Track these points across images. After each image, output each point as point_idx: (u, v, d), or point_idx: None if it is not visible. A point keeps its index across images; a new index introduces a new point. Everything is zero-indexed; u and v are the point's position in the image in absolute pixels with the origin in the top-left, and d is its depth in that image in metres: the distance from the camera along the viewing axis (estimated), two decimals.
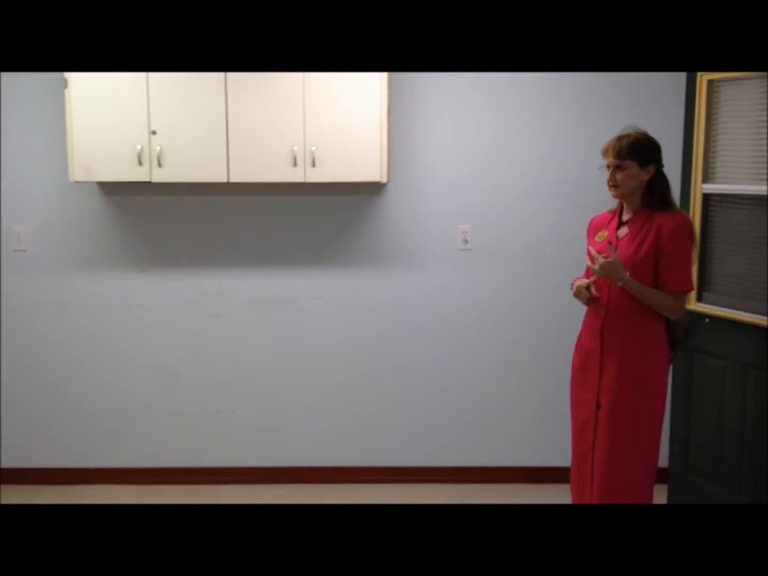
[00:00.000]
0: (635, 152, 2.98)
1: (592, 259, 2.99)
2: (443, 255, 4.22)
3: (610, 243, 2.98)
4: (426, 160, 4.17)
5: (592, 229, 3.22)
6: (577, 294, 3.12)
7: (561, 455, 4.25)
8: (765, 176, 3.39)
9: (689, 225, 3.01)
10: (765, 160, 3.40)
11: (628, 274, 2.95)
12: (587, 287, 3.08)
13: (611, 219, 3.16)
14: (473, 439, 4.34)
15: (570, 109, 4.14)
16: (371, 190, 4.17)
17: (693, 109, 3.63)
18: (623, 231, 3.08)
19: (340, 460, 4.33)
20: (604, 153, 3.04)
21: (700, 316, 3.58)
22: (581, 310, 3.86)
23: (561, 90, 4.13)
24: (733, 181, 3.52)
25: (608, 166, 3.03)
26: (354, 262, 4.23)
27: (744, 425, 3.44)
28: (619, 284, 2.97)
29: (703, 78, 3.57)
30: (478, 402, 4.32)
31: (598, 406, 3.05)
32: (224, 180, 3.87)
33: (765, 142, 3.39)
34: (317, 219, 4.20)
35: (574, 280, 3.17)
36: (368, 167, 3.88)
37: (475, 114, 4.15)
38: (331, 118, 3.85)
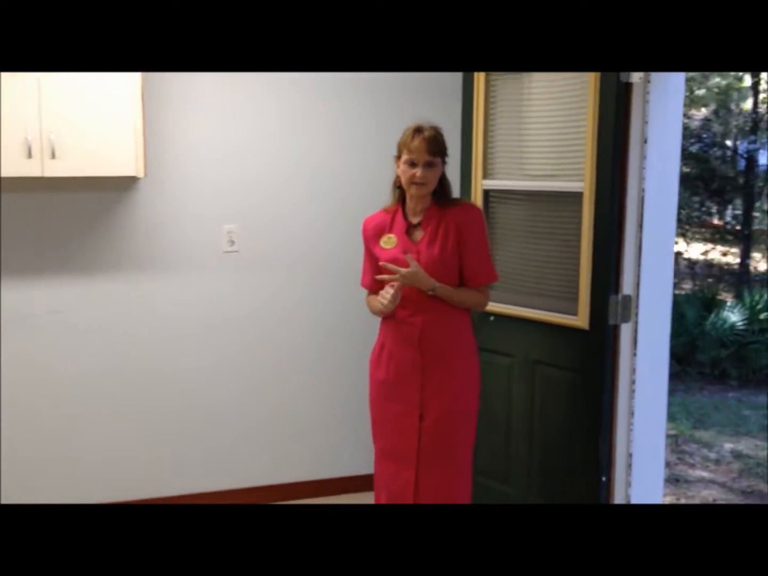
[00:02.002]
0: (441, 148, 2.87)
1: (388, 270, 2.81)
2: (207, 258, 3.80)
3: (407, 254, 2.80)
4: (188, 153, 3.71)
5: (373, 234, 3.00)
6: (385, 308, 2.85)
7: (338, 466, 4.07)
8: (540, 172, 3.39)
9: (482, 215, 3.01)
10: (541, 155, 3.39)
11: (434, 281, 2.79)
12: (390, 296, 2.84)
13: (392, 220, 2.96)
14: (239, 459, 3.95)
15: (345, 104, 3.90)
16: (123, 185, 3.63)
17: (471, 104, 3.55)
18: (418, 234, 2.92)
19: (86, 496, 3.73)
20: (414, 150, 2.81)
21: (485, 314, 3.51)
22: (357, 317, 3.67)
23: (336, 84, 3.86)
24: (511, 177, 3.49)
25: (413, 162, 2.82)
26: (102, 269, 3.67)
27: (532, 423, 3.43)
28: (429, 293, 2.83)
29: (480, 72, 3.49)
30: (245, 418, 3.94)
31: (420, 417, 2.89)
32: None
33: (540, 136, 3.39)
34: (57, 220, 3.59)
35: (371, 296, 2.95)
36: (121, 159, 3.38)
37: (244, 104, 3.77)
38: (74, 103, 3.29)
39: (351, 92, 3.90)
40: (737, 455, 5.44)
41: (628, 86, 3.05)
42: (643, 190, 3.11)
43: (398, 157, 2.91)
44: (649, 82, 3.05)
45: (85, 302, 3.66)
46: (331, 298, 3.96)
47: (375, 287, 3.03)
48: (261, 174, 3.83)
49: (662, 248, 3.22)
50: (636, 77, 3.02)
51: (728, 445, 5.64)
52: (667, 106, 3.11)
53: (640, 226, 3.13)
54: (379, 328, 3.04)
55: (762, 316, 8.03)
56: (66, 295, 3.63)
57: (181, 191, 3.72)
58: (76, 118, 3.29)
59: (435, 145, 2.84)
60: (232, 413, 3.92)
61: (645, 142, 3.09)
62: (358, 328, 3.90)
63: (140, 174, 3.42)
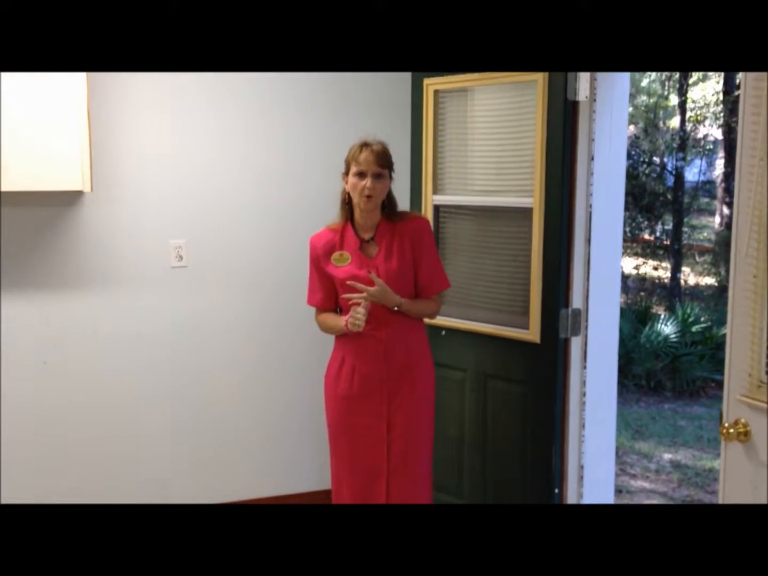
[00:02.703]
0: (389, 162, 2.91)
1: (353, 289, 2.82)
2: (155, 273, 3.74)
3: (370, 272, 2.83)
4: (135, 167, 3.65)
5: (323, 253, 2.98)
6: (356, 326, 2.84)
7: (292, 483, 4.04)
8: (488, 187, 3.43)
9: (430, 225, 3.08)
10: (488, 170, 3.44)
11: (398, 297, 2.85)
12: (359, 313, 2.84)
13: (342, 238, 2.96)
14: (189, 478, 3.89)
15: (294, 120, 3.89)
16: (68, 200, 3.56)
17: (420, 119, 3.58)
18: (373, 249, 2.94)
19: None
20: (363, 161, 2.83)
21: (436, 328, 3.54)
22: (309, 332, 3.64)
23: (286, 99, 3.86)
24: (461, 193, 3.53)
25: (361, 174, 2.84)
26: (47, 286, 3.58)
27: (485, 436, 3.46)
28: (395, 309, 2.87)
29: (429, 88, 3.53)
30: (195, 436, 3.88)
31: (387, 428, 2.93)
32: None
33: (487, 152, 3.43)
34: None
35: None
36: (66, 174, 3.31)
37: (192, 119, 3.73)
38: (17, 116, 3.21)
39: (300, 108, 3.89)
40: (676, 465, 5.56)
41: (575, 104, 3.12)
42: (590, 206, 3.18)
43: (346, 173, 2.92)
44: (594, 100, 3.13)
45: (28, 320, 3.57)
46: (282, 313, 3.94)
47: (326, 305, 3.02)
48: (209, 189, 3.79)
49: (609, 262, 3.30)
50: (582, 95, 3.09)
51: (667, 456, 5.76)
52: (612, 124, 3.19)
53: (588, 240, 3.20)
54: (335, 343, 3.03)
55: (694, 328, 8.25)
56: (9, 313, 3.53)
57: (129, 206, 3.66)
58: (20, 131, 3.21)
59: (383, 158, 2.87)
60: (181, 431, 3.85)
61: (592, 159, 3.16)
62: (310, 344, 3.89)
63: (86, 188, 3.36)
